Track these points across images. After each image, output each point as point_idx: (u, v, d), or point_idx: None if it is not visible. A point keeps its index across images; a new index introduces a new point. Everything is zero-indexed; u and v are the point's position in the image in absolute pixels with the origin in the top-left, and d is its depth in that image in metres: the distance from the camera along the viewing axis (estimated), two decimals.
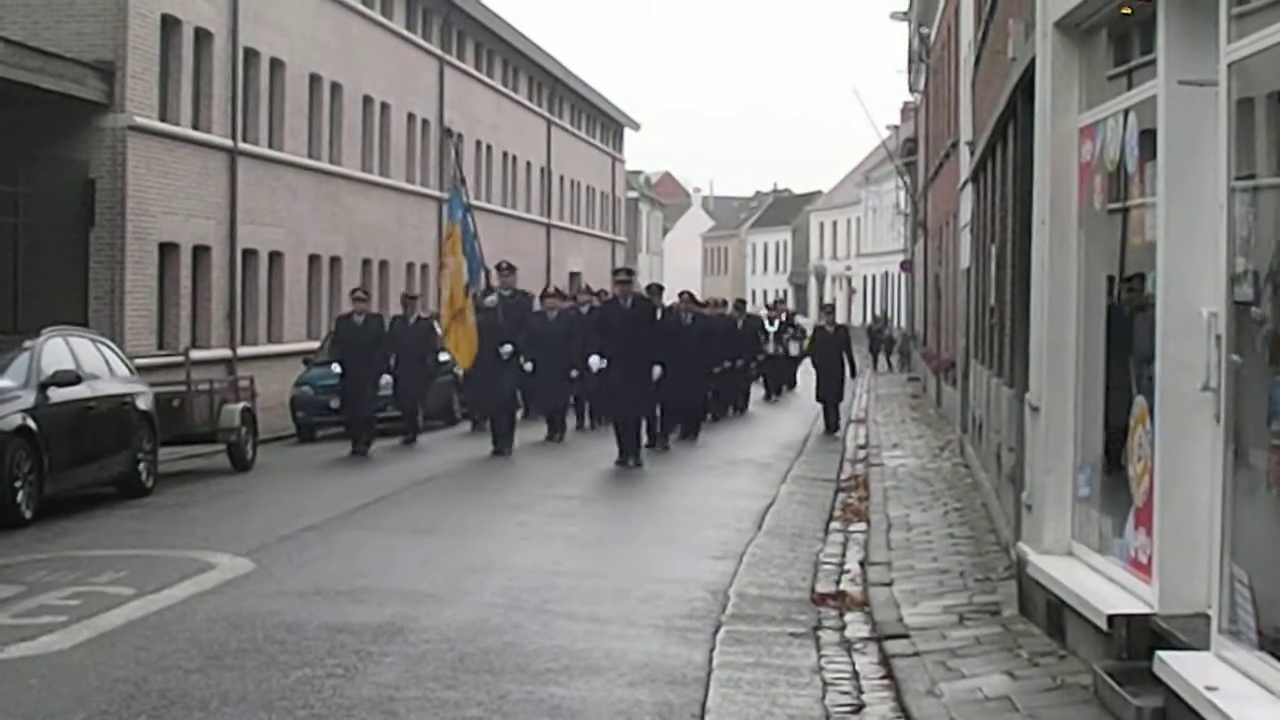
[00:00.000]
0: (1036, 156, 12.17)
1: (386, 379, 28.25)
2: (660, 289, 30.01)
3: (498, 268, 27.72)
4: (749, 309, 43.77)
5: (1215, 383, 8.57)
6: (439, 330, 28.47)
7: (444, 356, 29.59)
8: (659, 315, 26.01)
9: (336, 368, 27.49)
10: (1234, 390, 8.30)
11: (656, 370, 23.82)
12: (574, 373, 28.03)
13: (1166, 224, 9.45)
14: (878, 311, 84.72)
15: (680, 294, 33.17)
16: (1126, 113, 10.48)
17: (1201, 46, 8.93)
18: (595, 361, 24.28)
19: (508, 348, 25.77)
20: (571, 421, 30.72)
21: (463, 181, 28.28)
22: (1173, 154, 9.43)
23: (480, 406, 28.95)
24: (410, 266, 47.20)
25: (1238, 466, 8.20)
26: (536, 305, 30.58)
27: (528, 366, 27.54)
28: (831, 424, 32.45)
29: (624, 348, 23.50)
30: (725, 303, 41.61)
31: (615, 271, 26.45)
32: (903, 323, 68.57)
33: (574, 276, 62.27)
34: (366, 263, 43.11)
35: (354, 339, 27.45)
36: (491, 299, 26.42)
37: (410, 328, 29.54)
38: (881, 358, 66.26)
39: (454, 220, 27.04)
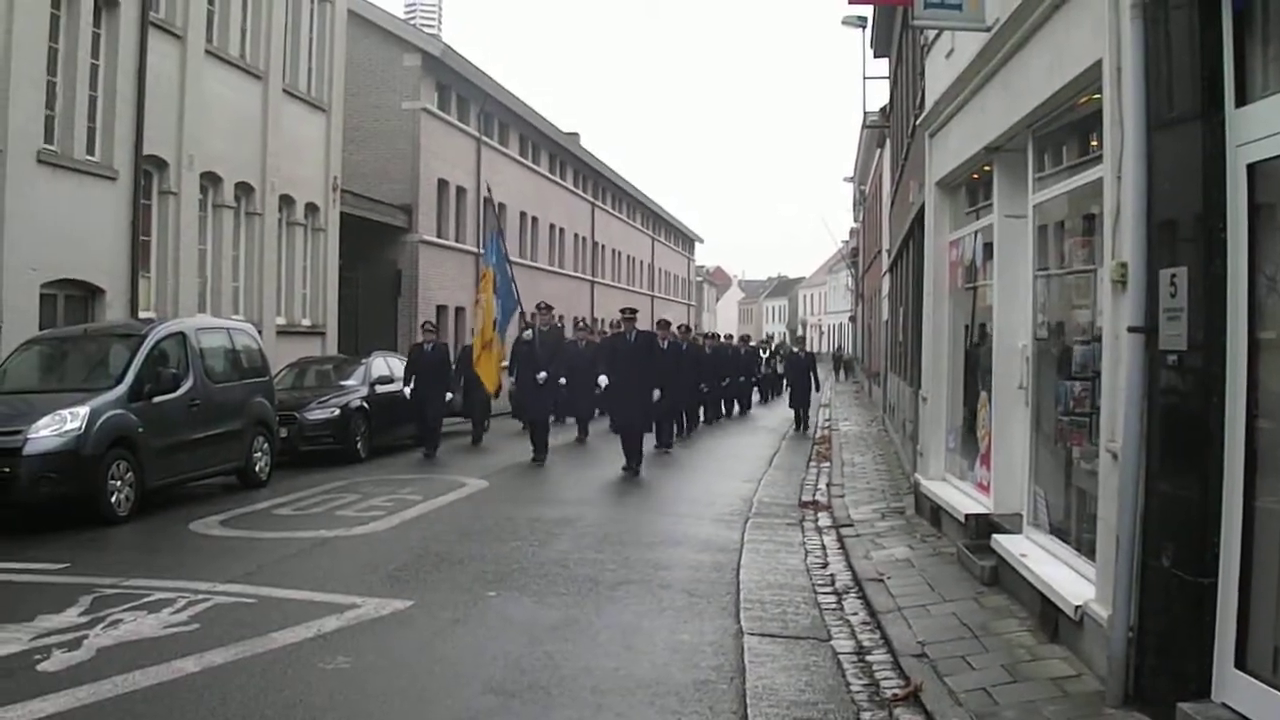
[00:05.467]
0: (926, 257, 12.22)
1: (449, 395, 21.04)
2: (667, 323, 21.73)
3: (537, 308, 20.30)
4: (751, 343, 37.41)
5: (1025, 384, 8.62)
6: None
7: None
8: (669, 346, 20.35)
9: (407, 390, 19.66)
10: (1036, 388, 8.31)
11: (656, 393, 17.79)
12: (597, 390, 19.64)
13: (999, 295, 9.48)
14: (838, 345, 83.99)
15: (679, 327, 26.47)
16: (976, 233, 10.52)
17: (1018, 195, 8.97)
18: (603, 380, 18.39)
19: (543, 375, 18.89)
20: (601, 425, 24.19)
21: (500, 233, 20.52)
22: (1002, 256, 9.46)
23: (525, 418, 20.88)
24: (575, 322, 47.02)
25: (1037, 432, 8.21)
26: (570, 335, 24.12)
27: (562, 381, 20.14)
28: (801, 425, 25.91)
29: (627, 374, 17.55)
30: (731, 336, 35.66)
31: (622, 310, 19.10)
32: (850, 349, 67.94)
33: (664, 323, 61.54)
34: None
35: (424, 362, 19.96)
36: (528, 333, 19.70)
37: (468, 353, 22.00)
38: (842, 373, 64.92)
39: (488, 263, 19.89)
